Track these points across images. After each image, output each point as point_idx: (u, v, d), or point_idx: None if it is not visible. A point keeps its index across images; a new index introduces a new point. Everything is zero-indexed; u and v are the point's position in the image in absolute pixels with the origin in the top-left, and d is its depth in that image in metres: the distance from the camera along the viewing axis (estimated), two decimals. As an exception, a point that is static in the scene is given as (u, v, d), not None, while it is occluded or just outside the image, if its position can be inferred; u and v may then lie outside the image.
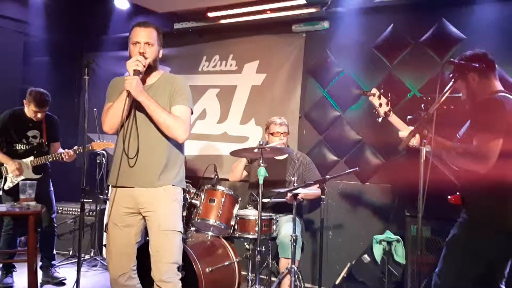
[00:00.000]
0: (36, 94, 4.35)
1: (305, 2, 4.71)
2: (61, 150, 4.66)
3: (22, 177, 4.39)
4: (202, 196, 3.73)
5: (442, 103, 2.22)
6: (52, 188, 4.71)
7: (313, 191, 3.91)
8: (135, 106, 2.71)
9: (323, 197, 3.68)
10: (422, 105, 3.81)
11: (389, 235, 4.00)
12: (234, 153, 3.74)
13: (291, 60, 5.17)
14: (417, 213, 2.20)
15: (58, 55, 6.41)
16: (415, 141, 2.36)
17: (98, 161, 5.53)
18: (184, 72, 5.67)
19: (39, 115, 4.42)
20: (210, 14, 5.37)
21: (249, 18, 5.26)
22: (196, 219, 3.68)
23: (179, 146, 2.88)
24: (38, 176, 4.45)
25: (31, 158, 4.47)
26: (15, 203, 3.49)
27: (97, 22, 6.37)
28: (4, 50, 5.74)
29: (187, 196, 3.76)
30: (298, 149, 4.91)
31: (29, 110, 4.42)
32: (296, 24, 5.12)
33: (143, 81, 2.75)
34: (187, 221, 3.84)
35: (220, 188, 3.74)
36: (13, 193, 4.25)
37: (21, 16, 5.87)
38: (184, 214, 3.75)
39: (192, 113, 2.88)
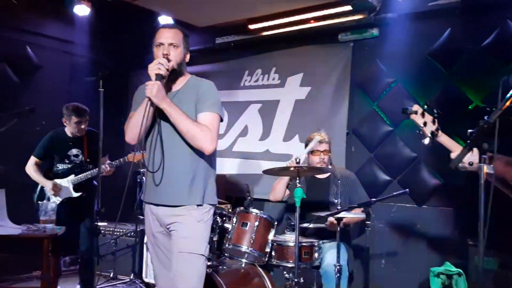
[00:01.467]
0: (73, 106, 4.31)
1: (351, 8, 4.34)
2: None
3: (66, 196, 4.32)
4: (234, 220, 3.41)
5: (508, 113, 1.78)
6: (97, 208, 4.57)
7: (357, 215, 3.48)
8: (159, 114, 2.47)
9: (368, 222, 3.24)
10: (486, 117, 3.29)
11: (449, 267, 3.49)
12: (268, 172, 3.40)
13: (337, 72, 4.80)
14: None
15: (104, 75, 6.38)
16: (472, 158, 1.91)
17: (138, 179, 5.38)
18: (225, 88, 5.46)
19: (82, 125, 4.31)
20: (251, 27, 5.13)
21: (292, 29, 4.96)
22: (227, 245, 3.35)
23: (208, 159, 2.59)
24: (78, 195, 4.34)
25: (72, 176, 4.38)
26: (31, 225, 3.34)
27: (142, 39, 6.32)
28: (51, 70, 5.80)
29: (218, 219, 3.46)
30: (346, 167, 4.49)
31: (71, 125, 4.34)
32: (342, 32, 4.77)
33: (169, 87, 2.54)
34: (219, 247, 3.52)
35: (253, 210, 3.40)
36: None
37: (67, 36, 5.92)
38: (216, 238, 3.44)
39: (221, 120, 2.59)
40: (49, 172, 4.41)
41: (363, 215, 3.36)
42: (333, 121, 4.74)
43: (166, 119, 2.44)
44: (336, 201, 3.46)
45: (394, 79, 4.48)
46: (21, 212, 4.00)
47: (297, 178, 3.16)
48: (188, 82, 2.60)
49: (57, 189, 4.30)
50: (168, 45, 2.46)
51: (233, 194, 4.97)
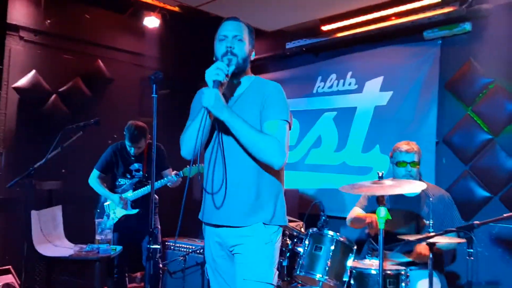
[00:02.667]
0: (130, 127, 4.14)
1: (439, 0, 3.79)
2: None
3: (123, 213, 4.16)
4: (307, 242, 3.00)
5: None
6: (158, 225, 4.36)
7: (454, 240, 2.93)
8: (219, 125, 2.22)
9: (471, 250, 2.68)
10: None
11: None
12: (345, 189, 2.95)
13: (423, 74, 4.26)
14: None
15: (174, 87, 6.30)
16: None
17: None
18: (297, 95, 5.10)
19: (133, 150, 4.17)
20: (325, 28, 4.74)
21: (370, 28, 4.50)
22: (299, 271, 2.94)
23: (276, 173, 2.27)
24: (136, 211, 4.17)
25: (130, 192, 4.21)
26: (84, 245, 3.14)
27: (211, 50, 6.15)
28: (122, 83, 5.76)
29: (288, 240, 3.07)
30: (436, 182, 3.92)
31: (127, 146, 4.20)
32: (428, 29, 4.21)
33: (231, 90, 2.27)
34: (289, 273, 3.12)
35: (328, 232, 2.97)
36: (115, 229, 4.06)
37: (137, 48, 5.88)
38: (285, 263, 3.05)
39: (290, 128, 2.26)
40: (112, 187, 4.33)
41: (462, 240, 2.80)
42: (419, 129, 4.20)
43: (227, 130, 2.16)
44: (428, 222, 2.94)
45: (491, 79, 3.87)
46: (83, 229, 3.88)
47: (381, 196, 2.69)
48: (253, 84, 2.30)
49: (125, 202, 4.17)
50: (233, 38, 2.21)
51: (305, 211, 4.55)
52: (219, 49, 2.22)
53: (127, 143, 4.16)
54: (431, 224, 2.91)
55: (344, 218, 4.00)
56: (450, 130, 4.11)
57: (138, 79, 5.95)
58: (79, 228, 3.96)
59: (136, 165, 4.28)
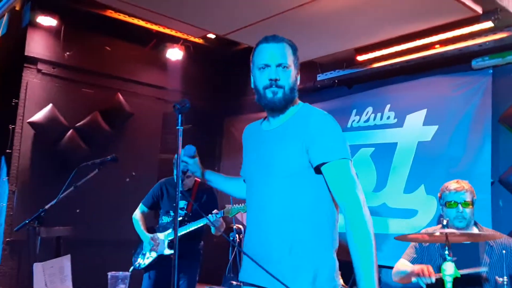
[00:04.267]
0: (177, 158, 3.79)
1: (492, 25, 3.41)
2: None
3: (155, 254, 3.85)
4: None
5: None
6: (196, 277, 3.96)
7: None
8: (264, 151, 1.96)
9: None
10: None
11: None
12: (402, 239, 2.50)
13: (473, 106, 3.84)
14: None
15: (198, 121, 6.01)
16: None
17: (231, 237, 4.70)
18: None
19: (186, 180, 3.84)
20: (360, 58, 4.38)
21: (411, 57, 4.13)
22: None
23: (322, 221, 1.81)
24: (170, 252, 3.81)
25: (169, 231, 3.87)
26: None
27: (235, 83, 5.92)
28: (143, 118, 5.51)
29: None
30: (492, 228, 3.42)
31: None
32: (478, 57, 3.82)
33: (275, 121, 1.95)
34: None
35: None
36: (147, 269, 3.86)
37: (160, 82, 5.65)
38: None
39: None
40: (153, 226, 4.06)
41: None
42: (471, 168, 3.73)
43: (266, 159, 1.91)
44: (501, 279, 2.46)
45: (556, 111, 3.42)
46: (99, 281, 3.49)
47: (446, 249, 2.24)
48: (298, 113, 1.90)
49: (156, 243, 3.82)
50: (277, 67, 1.85)
51: (341, 258, 4.08)
52: (260, 79, 1.87)
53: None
54: (505, 280, 2.43)
55: (386, 267, 3.54)
56: (507, 169, 3.64)
57: (160, 113, 5.68)
58: (92, 279, 3.58)
59: (181, 203, 3.91)
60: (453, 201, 2.89)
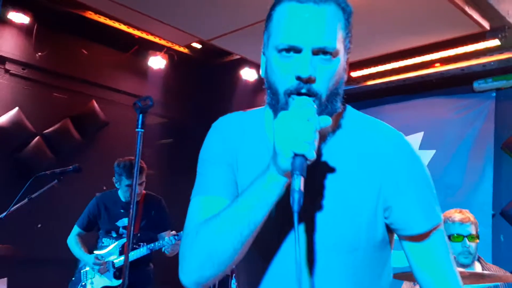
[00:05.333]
0: (125, 162, 3.39)
1: (499, 44, 3.15)
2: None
3: (103, 284, 3.35)
4: None
5: None
6: None
7: None
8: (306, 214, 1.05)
9: None
10: None
11: None
12: (399, 277, 2.15)
13: (474, 131, 3.63)
14: None
15: (179, 135, 5.68)
16: None
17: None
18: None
19: (137, 189, 3.35)
20: (354, 74, 4.12)
21: (409, 76, 3.86)
22: None
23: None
24: (119, 283, 3.33)
25: (114, 256, 3.40)
26: None
27: (220, 96, 5.62)
28: (119, 128, 5.15)
29: None
30: (493, 262, 3.12)
31: (122, 188, 3.44)
32: (480, 78, 3.57)
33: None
34: None
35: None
36: None
37: (139, 91, 5.28)
38: None
39: None
40: (92, 251, 3.54)
41: None
42: (471, 198, 3.55)
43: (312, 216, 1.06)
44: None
45: None
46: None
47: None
48: (344, 127, 1.11)
49: (101, 264, 3.35)
50: (313, 54, 0.99)
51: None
52: (280, 73, 1.02)
53: (127, 182, 3.38)
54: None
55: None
56: (511, 201, 3.35)
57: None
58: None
59: (125, 221, 3.46)
60: (457, 234, 2.62)
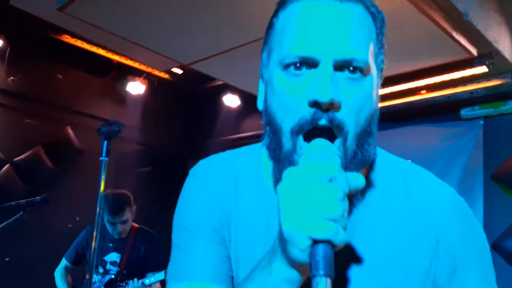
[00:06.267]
0: (106, 196, 3.13)
1: (486, 70, 3.08)
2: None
3: None
4: None
5: None
6: None
7: None
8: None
9: None
10: None
11: None
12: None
13: (463, 160, 3.53)
14: None
15: (157, 163, 5.49)
16: None
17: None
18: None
19: (119, 228, 3.15)
20: (339, 101, 3.97)
21: (395, 103, 3.76)
22: None
23: None
24: None
25: None
26: None
27: (201, 123, 5.49)
28: (95, 156, 4.88)
29: None
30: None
31: (106, 223, 3.20)
32: (467, 106, 3.48)
33: None
34: None
35: None
36: None
37: (117, 117, 5.09)
38: None
39: None
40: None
41: None
42: (461, 229, 3.30)
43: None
44: None
45: (557, 169, 3.07)
46: None
47: None
48: (380, 179, 0.84)
49: None
50: (337, 69, 0.70)
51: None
52: (285, 99, 0.72)
53: (107, 218, 3.14)
54: None
55: None
56: (502, 233, 3.24)
57: (114, 152, 5.10)
58: None
59: (113, 256, 3.21)
60: None
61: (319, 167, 0.60)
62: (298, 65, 0.70)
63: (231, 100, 5.12)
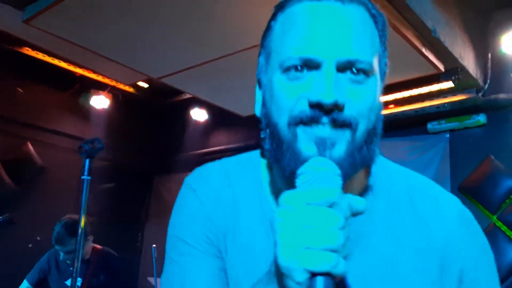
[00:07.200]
0: (60, 222, 3.00)
1: (452, 85, 3.17)
2: None
3: None
4: None
5: None
6: None
7: None
8: None
9: None
10: None
11: None
12: None
13: (430, 173, 3.57)
14: None
15: (123, 179, 5.34)
16: None
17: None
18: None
19: (62, 256, 2.99)
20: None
21: (364, 117, 3.78)
22: None
23: None
24: None
25: None
26: None
27: (168, 138, 5.40)
28: (58, 173, 4.77)
29: None
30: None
31: None
32: (433, 120, 3.57)
33: None
34: None
35: None
36: None
37: (80, 132, 4.97)
38: None
39: None
40: None
41: None
42: (431, 241, 3.35)
43: None
44: None
45: (520, 181, 3.17)
46: None
47: None
48: (380, 186, 0.79)
49: None
50: (339, 70, 0.67)
51: None
52: (284, 97, 0.69)
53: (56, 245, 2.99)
54: None
55: None
56: (471, 244, 3.28)
57: (78, 169, 4.92)
58: None
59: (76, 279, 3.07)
60: None
61: (318, 192, 0.56)
62: (299, 67, 0.68)
63: (198, 114, 5.06)
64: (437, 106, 3.45)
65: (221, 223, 0.80)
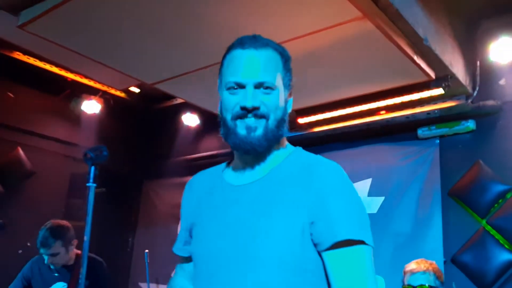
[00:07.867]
0: (44, 227, 2.96)
1: (442, 92, 3.23)
2: None
3: None
4: None
5: None
6: None
7: None
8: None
9: None
10: None
11: None
12: None
13: (421, 178, 3.61)
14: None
15: (113, 184, 5.30)
16: None
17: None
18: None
19: (46, 259, 2.95)
20: (301, 121, 4.04)
21: (355, 123, 3.84)
22: None
23: None
24: None
25: None
26: None
27: (158, 143, 5.39)
28: (47, 178, 4.72)
29: None
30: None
31: None
32: (424, 126, 3.63)
33: (250, 170, 1.25)
34: None
35: None
36: None
37: (70, 137, 4.94)
38: None
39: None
40: None
41: None
42: (421, 245, 3.42)
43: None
44: None
45: (509, 186, 3.23)
46: None
47: None
48: (292, 158, 1.24)
49: None
50: (255, 88, 1.19)
51: None
52: (228, 105, 1.21)
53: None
54: None
55: None
56: (460, 247, 3.35)
57: (68, 173, 4.92)
58: None
59: (59, 285, 3.04)
60: (408, 285, 2.54)
61: None
62: (235, 87, 1.20)
63: (190, 119, 5.06)
64: (428, 113, 3.51)
65: (195, 203, 1.33)
